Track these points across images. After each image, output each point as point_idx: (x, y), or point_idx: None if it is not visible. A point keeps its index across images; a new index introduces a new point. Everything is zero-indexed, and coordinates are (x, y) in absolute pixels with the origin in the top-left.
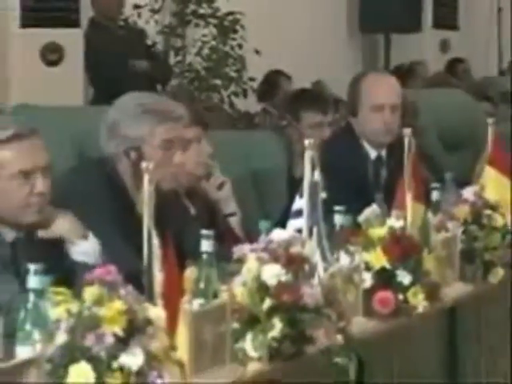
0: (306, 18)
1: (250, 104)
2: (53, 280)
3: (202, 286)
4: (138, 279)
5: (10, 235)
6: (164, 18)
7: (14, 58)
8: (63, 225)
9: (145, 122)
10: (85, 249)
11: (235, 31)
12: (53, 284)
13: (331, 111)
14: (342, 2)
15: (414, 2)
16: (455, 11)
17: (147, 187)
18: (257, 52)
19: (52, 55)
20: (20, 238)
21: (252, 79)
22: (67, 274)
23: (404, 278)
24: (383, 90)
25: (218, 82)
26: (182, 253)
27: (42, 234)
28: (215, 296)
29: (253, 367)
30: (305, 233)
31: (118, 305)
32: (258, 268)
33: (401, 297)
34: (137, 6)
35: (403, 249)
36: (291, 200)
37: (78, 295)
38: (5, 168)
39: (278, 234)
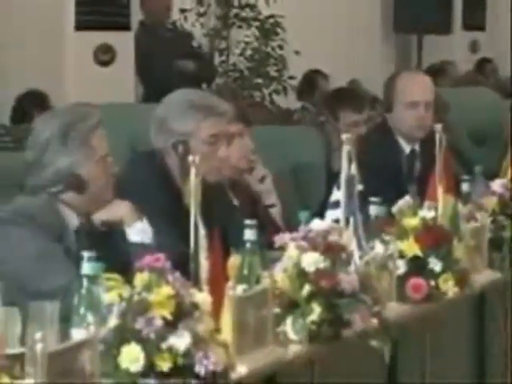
0: (342, 21)
1: (290, 101)
2: (110, 265)
3: (245, 272)
4: (185, 266)
5: (73, 222)
6: (209, 21)
7: (69, 58)
8: (121, 208)
9: (191, 117)
10: (141, 228)
11: (276, 33)
12: (111, 268)
13: (367, 109)
14: (376, 5)
15: (444, 4)
16: (483, 13)
17: (194, 179)
18: (296, 52)
19: (104, 56)
20: (83, 224)
21: (292, 78)
22: (125, 258)
23: (435, 265)
24: (418, 87)
25: (260, 80)
26: (226, 241)
27: (103, 215)
28: (257, 282)
29: (293, 349)
30: (342, 223)
31: (167, 290)
32: (298, 255)
33: (432, 283)
34: (183, 10)
35: (435, 238)
36: (329, 192)
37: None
38: (95, 153)
39: (316, 224)
